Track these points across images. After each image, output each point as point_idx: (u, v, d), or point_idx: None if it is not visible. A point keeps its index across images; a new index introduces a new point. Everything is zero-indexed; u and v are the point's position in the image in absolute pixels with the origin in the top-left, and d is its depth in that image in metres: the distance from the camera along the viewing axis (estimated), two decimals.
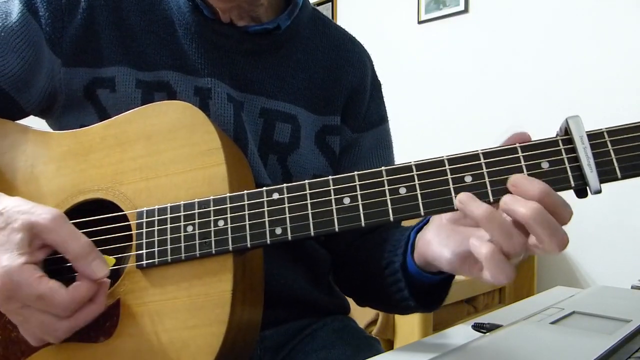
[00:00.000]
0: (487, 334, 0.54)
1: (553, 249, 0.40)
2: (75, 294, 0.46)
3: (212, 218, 0.49)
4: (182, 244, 0.50)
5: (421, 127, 2.62)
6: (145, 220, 0.52)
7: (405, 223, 0.63)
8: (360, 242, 0.69)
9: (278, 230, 0.47)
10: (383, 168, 0.46)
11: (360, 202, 0.46)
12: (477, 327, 0.58)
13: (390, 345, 1.71)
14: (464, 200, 0.43)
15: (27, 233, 0.46)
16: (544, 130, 0.45)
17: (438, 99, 2.58)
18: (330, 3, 3.06)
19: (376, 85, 0.76)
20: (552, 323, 0.54)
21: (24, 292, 0.45)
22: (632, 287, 0.75)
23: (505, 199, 0.42)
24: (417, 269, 0.55)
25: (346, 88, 0.71)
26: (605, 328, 0.52)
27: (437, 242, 0.49)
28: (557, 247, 0.40)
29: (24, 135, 0.59)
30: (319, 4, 3.08)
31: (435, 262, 0.50)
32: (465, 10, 2.47)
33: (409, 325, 1.68)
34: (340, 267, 0.72)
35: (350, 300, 0.75)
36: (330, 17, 2.99)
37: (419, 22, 2.65)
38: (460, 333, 0.57)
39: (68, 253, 0.47)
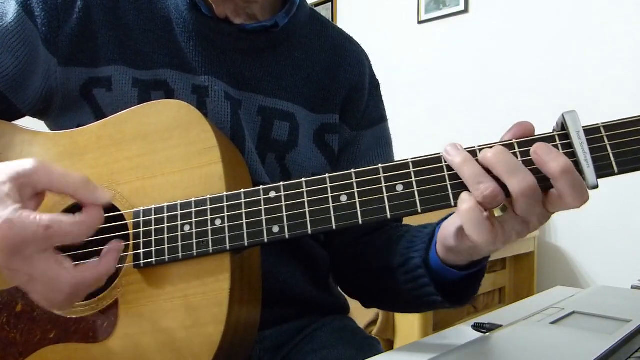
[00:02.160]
0: (487, 334, 0.53)
1: (517, 192, 0.41)
2: (84, 218, 0.44)
3: (209, 217, 0.49)
4: (180, 244, 0.50)
5: (421, 127, 2.61)
6: (142, 219, 0.51)
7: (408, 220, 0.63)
8: (365, 241, 0.68)
9: (275, 229, 0.47)
10: (380, 165, 0.46)
11: (357, 200, 0.46)
12: (477, 327, 0.58)
13: (390, 345, 1.71)
14: (448, 150, 0.45)
15: (14, 183, 0.44)
16: (544, 130, 0.45)
17: (438, 99, 2.58)
18: (330, 3, 3.06)
19: (375, 84, 0.76)
20: (552, 323, 0.54)
21: (30, 230, 0.42)
22: (632, 287, 0.75)
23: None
24: (440, 263, 0.53)
25: (344, 86, 0.71)
26: (605, 328, 0.51)
27: (452, 222, 0.49)
28: (520, 190, 0.41)
29: (20, 136, 0.59)
30: (318, 4, 3.08)
31: (448, 242, 0.49)
32: (465, 10, 2.47)
33: (409, 325, 1.68)
34: (343, 267, 0.72)
35: (350, 301, 0.75)
36: (330, 17, 2.99)
37: (419, 22, 2.65)
38: (460, 333, 0.57)
39: (67, 187, 0.45)
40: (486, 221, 0.42)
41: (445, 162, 0.44)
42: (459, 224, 0.47)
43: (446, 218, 0.52)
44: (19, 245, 0.42)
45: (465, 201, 0.43)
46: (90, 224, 0.45)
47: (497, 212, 0.45)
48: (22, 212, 0.42)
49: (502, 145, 0.43)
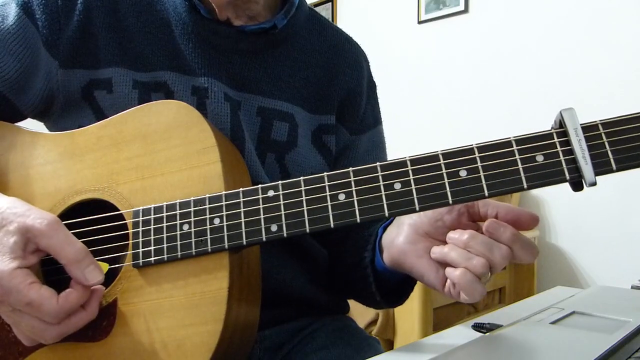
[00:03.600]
0: (487, 334, 0.53)
1: (499, 262, 0.47)
2: (65, 302, 0.46)
3: (207, 216, 0.49)
4: (178, 243, 0.50)
5: (421, 127, 2.62)
6: (141, 219, 0.51)
7: None
8: (348, 238, 0.70)
9: (273, 228, 0.47)
10: (378, 164, 0.46)
11: (355, 198, 0.46)
12: (477, 327, 0.58)
13: (390, 345, 1.70)
14: (434, 251, 0.50)
15: (22, 237, 0.46)
16: (542, 128, 0.45)
17: (438, 99, 2.58)
18: (330, 3, 3.06)
19: (372, 87, 0.77)
20: (552, 323, 0.54)
21: (14, 297, 0.45)
22: (632, 287, 0.75)
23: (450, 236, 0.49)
24: (385, 267, 0.57)
25: (342, 88, 0.71)
26: (605, 328, 0.51)
27: (414, 254, 0.52)
28: (501, 260, 0.46)
29: (21, 137, 0.59)
30: (318, 4, 3.08)
31: (414, 276, 0.53)
32: (465, 10, 2.47)
33: (409, 325, 1.68)
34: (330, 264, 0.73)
35: (350, 300, 0.75)
36: (330, 17, 2.99)
37: (419, 22, 2.65)
38: (460, 333, 0.56)
39: (62, 258, 0.47)
40: (482, 285, 0.47)
41: (443, 160, 0.44)
42: (433, 278, 0.51)
43: (388, 224, 0.57)
44: (4, 300, 0.45)
45: (463, 276, 0.46)
46: (67, 309, 0.46)
47: None
48: (17, 274, 0.45)
49: (501, 142, 0.44)
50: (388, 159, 0.77)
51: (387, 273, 0.59)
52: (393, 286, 0.62)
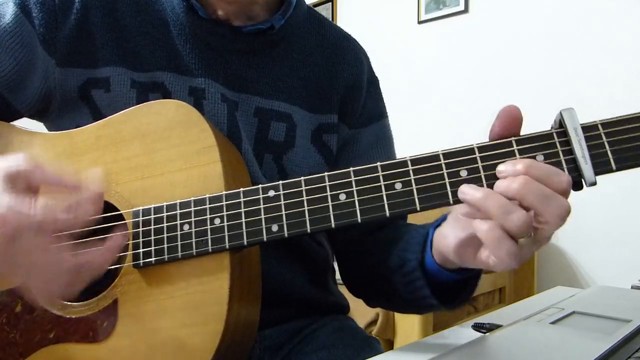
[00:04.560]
0: (487, 334, 0.53)
1: (553, 219, 0.39)
2: (73, 200, 0.43)
3: (208, 216, 0.49)
4: (179, 243, 0.50)
5: (421, 127, 2.61)
6: (141, 219, 0.51)
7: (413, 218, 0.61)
8: (367, 240, 0.68)
9: (274, 228, 0.47)
10: (378, 164, 0.46)
11: (356, 198, 0.46)
12: (477, 327, 0.58)
13: (390, 345, 1.70)
14: (464, 190, 0.42)
15: (7, 178, 0.43)
16: (543, 128, 0.45)
17: (438, 99, 2.58)
18: (330, 3, 3.06)
19: (373, 81, 0.76)
20: (552, 323, 0.54)
21: (25, 213, 0.42)
22: (632, 287, 0.75)
23: (497, 184, 0.42)
24: (437, 266, 0.52)
25: (342, 86, 0.71)
26: (605, 328, 0.51)
27: (451, 234, 0.47)
28: (557, 216, 0.39)
29: (19, 137, 0.59)
30: (318, 4, 3.08)
31: (446, 254, 0.48)
32: (465, 10, 2.47)
33: (409, 325, 1.68)
34: (347, 267, 0.71)
35: (351, 300, 0.75)
36: (330, 17, 2.99)
37: (419, 22, 2.65)
38: (460, 333, 0.57)
39: (62, 183, 0.45)
40: (519, 251, 0.40)
41: (444, 160, 0.44)
42: (459, 241, 0.45)
43: (443, 219, 0.52)
44: (17, 228, 0.42)
45: (484, 224, 0.40)
46: (85, 206, 0.44)
47: None
48: (21, 198, 0.42)
49: (501, 142, 0.44)
50: (395, 151, 0.77)
51: (438, 274, 0.53)
52: (448, 287, 0.55)
